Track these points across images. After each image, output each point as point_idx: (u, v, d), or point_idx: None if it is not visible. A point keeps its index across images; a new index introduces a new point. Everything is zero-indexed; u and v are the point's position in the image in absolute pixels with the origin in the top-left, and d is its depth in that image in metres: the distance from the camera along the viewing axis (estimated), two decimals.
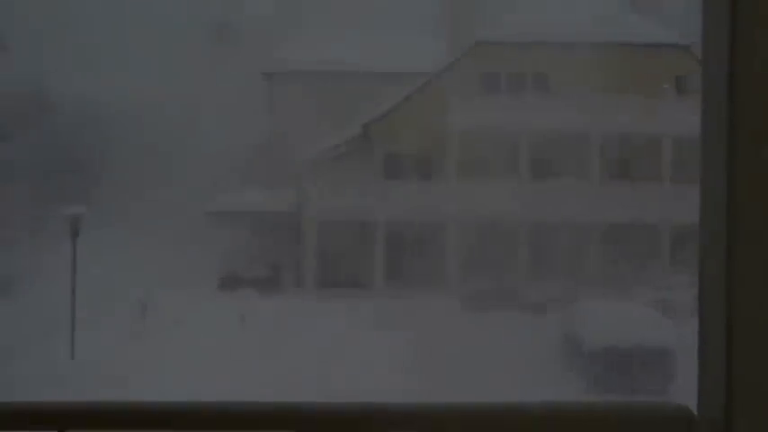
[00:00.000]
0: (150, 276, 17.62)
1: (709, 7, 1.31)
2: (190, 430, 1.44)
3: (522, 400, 1.43)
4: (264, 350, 14.62)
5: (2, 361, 13.53)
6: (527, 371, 14.24)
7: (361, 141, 20.94)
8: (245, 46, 21.38)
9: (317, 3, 21.55)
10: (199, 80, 20.29)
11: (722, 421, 1.31)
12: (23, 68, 18.86)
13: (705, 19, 1.32)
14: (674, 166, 21.00)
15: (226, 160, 19.25)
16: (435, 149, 20.81)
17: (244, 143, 19.97)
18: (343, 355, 14.82)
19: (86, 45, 19.98)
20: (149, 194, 18.45)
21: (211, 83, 20.28)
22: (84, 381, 13.01)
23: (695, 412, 1.42)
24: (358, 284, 19.23)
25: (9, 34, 19.82)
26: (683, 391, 12.19)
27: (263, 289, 18.36)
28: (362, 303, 17.68)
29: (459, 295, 18.60)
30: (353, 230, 20.12)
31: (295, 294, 18.54)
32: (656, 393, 13.60)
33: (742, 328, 1.27)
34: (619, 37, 20.90)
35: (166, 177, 18.62)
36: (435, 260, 20.45)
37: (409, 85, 20.91)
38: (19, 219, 17.66)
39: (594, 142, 20.78)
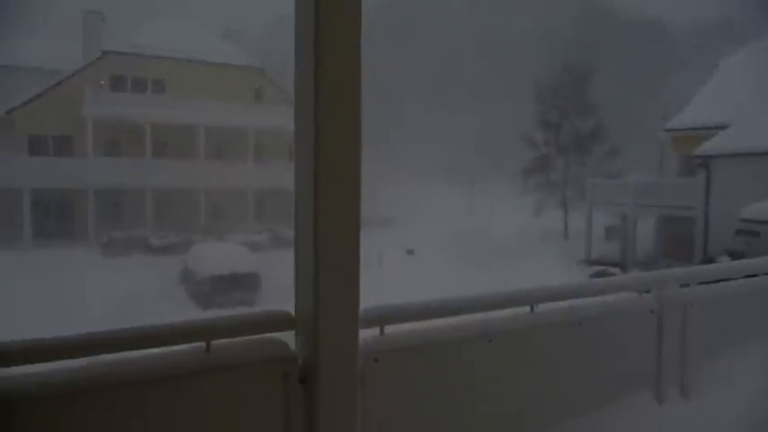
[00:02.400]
0: None
1: (299, 42, 1.75)
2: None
3: (166, 322, 1.77)
4: None
5: None
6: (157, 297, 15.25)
7: (6, 124, 21.51)
8: None
9: None
10: None
11: (312, 319, 1.77)
12: None
13: (297, 49, 1.76)
14: (256, 149, 25.44)
15: None
16: (74, 132, 22.28)
17: None
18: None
19: None
20: None
21: None
22: None
23: (293, 314, 1.86)
24: (8, 240, 19.63)
25: None
26: (265, 299, 15.42)
27: None
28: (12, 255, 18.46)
29: (98, 244, 20.71)
30: (2, 196, 20.41)
31: None
32: (248, 303, 15.39)
33: (323, 254, 1.71)
34: (215, 58, 25.12)
35: None
36: (78, 220, 21.92)
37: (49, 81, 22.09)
38: None
39: (200, 131, 24.06)
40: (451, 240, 22.40)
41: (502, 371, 2.41)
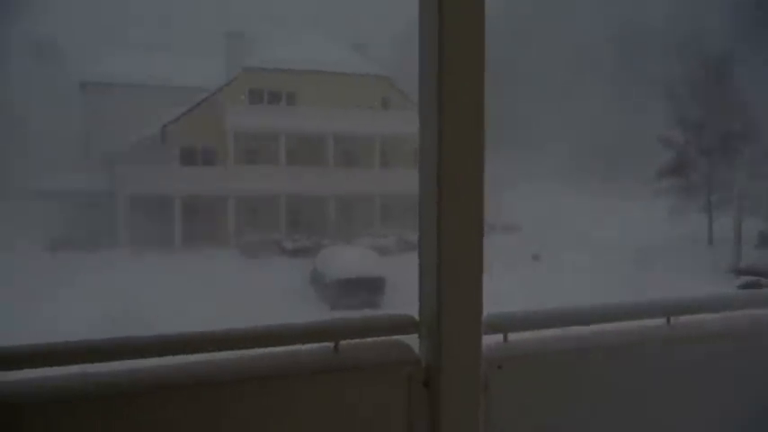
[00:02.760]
0: None
1: (423, 50, 1.76)
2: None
3: (298, 321, 1.81)
4: (86, 292, 15.59)
5: None
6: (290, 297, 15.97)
7: (161, 137, 23.48)
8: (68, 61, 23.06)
9: (121, 31, 24.43)
10: (26, 89, 21.82)
11: (435, 323, 1.77)
12: None
13: (421, 57, 1.77)
14: (382, 155, 25.82)
15: (53, 152, 21.23)
16: (218, 143, 23.86)
17: (66, 137, 22.08)
18: (150, 292, 15.55)
19: None
20: None
21: (37, 91, 21.97)
22: None
23: (417, 318, 1.87)
24: (162, 243, 21.49)
25: None
26: (390, 302, 15.94)
27: (84, 250, 20.16)
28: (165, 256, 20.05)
29: (237, 247, 21.72)
30: (157, 203, 22.19)
31: (112, 251, 20.41)
32: (373, 306, 15.66)
33: (447, 259, 1.71)
34: (345, 69, 25.70)
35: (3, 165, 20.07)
36: (220, 224, 23.18)
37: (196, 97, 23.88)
38: None
39: (329, 139, 24.87)
40: (579, 246, 21.46)
41: (634, 386, 2.27)
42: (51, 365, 1.67)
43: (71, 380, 1.69)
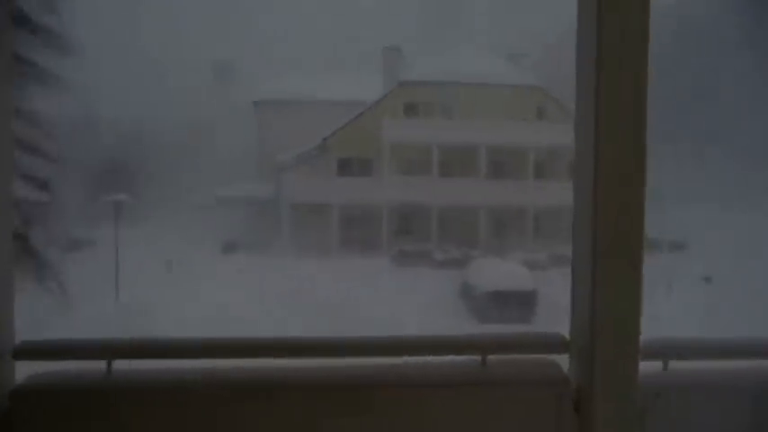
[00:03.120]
0: (173, 242, 20.79)
1: (581, 61, 1.73)
2: (202, 358, 1.78)
3: (442, 333, 1.84)
4: (257, 291, 17.07)
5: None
6: (438, 308, 16.12)
7: (321, 149, 24.87)
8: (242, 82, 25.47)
9: (289, 51, 26.26)
10: (205, 105, 24.28)
11: (587, 344, 1.69)
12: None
13: (579, 67, 1.74)
14: (536, 167, 25.23)
15: (228, 163, 23.38)
16: (373, 155, 24.73)
17: (239, 152, 24.13)
18: (309, 296, 16.40)
19: (122, 79, 23.36)
20: (172, 186, 22.42)
21: (214, 107, 24.32)
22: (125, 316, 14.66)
23: (567, 337, 1.82)
24: (320, 249, 22.43)
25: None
26: (541, 319, 15.65)
27: (254, 252, 21.72)
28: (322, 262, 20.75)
29: (389, 256, 22.05)
30: (316, 211, 23.39)
31: (276, 256, 21.54)
32: (523, 322, 15.55)
33: (603, 277, 1.64)
34: (499, 80, 25.44)
35: (186, 174, 22.41)
36: (373, 233, 23.85)
37: (355, 111, 24.86)
38: (82, 203, 20.53)
39: (481, 150, 24.76)
40: (755, 268, 19.09)
41: None
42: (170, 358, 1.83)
43: (231, 373, 1.84)
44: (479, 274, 17.74)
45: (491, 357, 1.86)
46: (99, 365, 1.82)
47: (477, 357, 1.86)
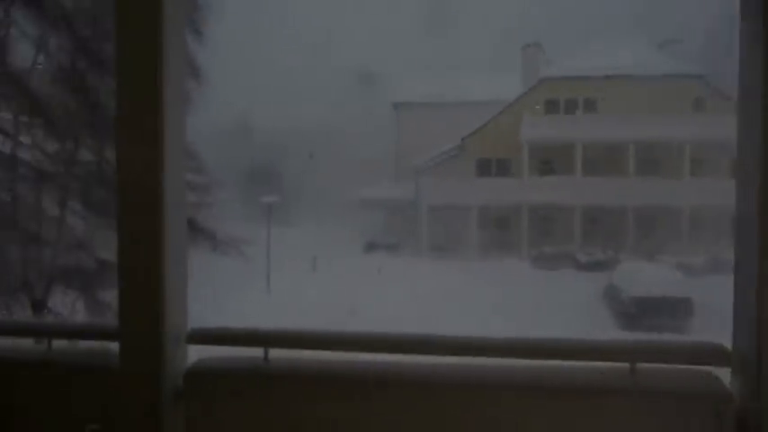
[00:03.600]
0: (319, 241, 21.68)
1: (744, 44, 1.59)
2: (354, 351, 1.87)
3: (591, 337, 1.72)
4: (393, 291, 17.07)
5: (228, 290, 15.40)
6: (581, 312, 15.64)
7: (459, 150, 24.92)
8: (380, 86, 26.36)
9: (427, 55, 26.67)
10: (347, 110, 25.45)
11: (752, 358, 1.54)
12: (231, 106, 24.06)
13: (742, 52, 1.61)
14: (693, 163, 23.37)
15: (370, 165, 24.12)
16: (512, 154, 24.35)
17: (381, 154, 24.88)
18: (449, 298, 16.36)
19: (270, 88, 25.09)
20: (319, 188, 23.63)
21: (356, 111, 25.42)
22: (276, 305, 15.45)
23: (728, 348, 1.67)
24: (458, 250, 22.65)
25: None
26: (698, 329, 14.51)
27: (392, 252, 22.57)
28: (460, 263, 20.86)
29: (530, 258, 21.82)
30: (454, 212, 23.50)
31: (413, 256, 22.31)
32: (677, 331, 14.66)
33: None
34: (648, 71, 23.73)
35: (329, 177, 23.40)
36: (513, 234, 23.57)
37: (494, 111, 24.63)
38: (236, 204, 21.13)
39: (629, 146, 23.46)
40: None
41: None
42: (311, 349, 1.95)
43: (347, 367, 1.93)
44: (627, 277, 17.04)
45: (640, 366, 1.75)
46: (257, 352, 2.00)
47: (626, 365, 1.76)
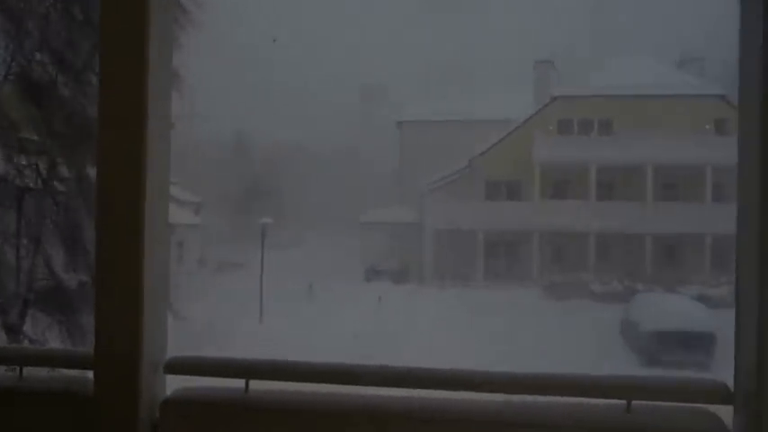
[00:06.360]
0: (316, 266, 21.33)
1: (744, 67, 1.58)
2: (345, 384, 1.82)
3: (584, 372, 1.71)
4: (393, 321, 16.94)
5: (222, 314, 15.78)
6: (595, 347, 15.02)
7: (467, 171, 24.11)
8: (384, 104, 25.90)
9: (434, 73, 26.23)
10: (350, 128, 25.17)
11: (753, 397, 1.51)
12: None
13: (741, 75, 1.59)
14: (715, 187, 22.26)
15: (372, 185, 23.64)
16: (523, 176, 23.63)
17: (383, 173, 24.41)
18: (451, 328, 16.07)
19: (273, 107, 24.76)
20: (318, 208, 23.13)
21: (358, 129, 25.25)
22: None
23: (731, 387, 1.61)
24: (464, 277, 21.86)
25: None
26: (722, 365, 12.48)
27: (395, 280, 21.98)
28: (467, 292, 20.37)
29: (541, 287, 20.92)
30: (461, 237, 22.74)
31: (417, 283, 21.92)
32: (700, 367, 13.88)
33: None
34: (667, 90, 23.11)
35: (330, 197, 23.16)
36: (522, 261, 22.85)
37: (503, 130, 23.99)
38: (231, 226, 22.24)
39: (648, 170, 22.60)
40: None
41: None
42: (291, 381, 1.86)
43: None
44: (645, 309, 16.45)
45: (636, 403, 1.68)
46: (237, 383, 1.91)
47: (622, 402, 1.69)
